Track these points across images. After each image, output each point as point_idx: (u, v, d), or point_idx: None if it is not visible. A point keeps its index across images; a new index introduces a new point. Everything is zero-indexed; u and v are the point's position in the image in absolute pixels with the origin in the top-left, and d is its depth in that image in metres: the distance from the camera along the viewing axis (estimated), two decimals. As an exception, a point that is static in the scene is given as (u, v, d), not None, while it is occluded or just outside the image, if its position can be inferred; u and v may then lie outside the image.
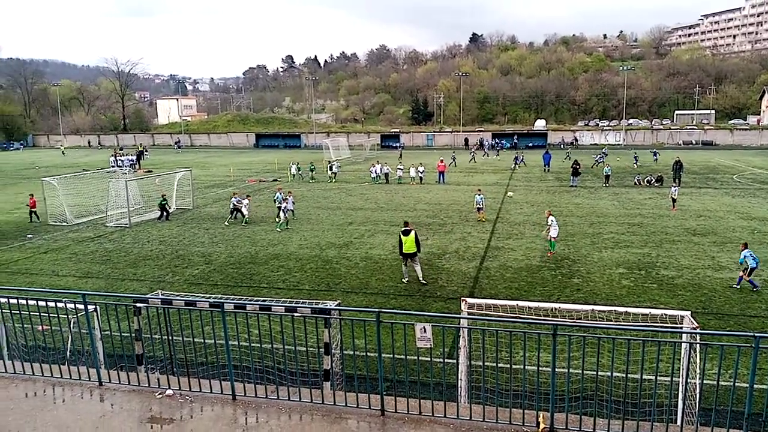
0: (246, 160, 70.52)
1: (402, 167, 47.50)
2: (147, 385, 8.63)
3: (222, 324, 8.21)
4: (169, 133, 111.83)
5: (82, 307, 9.01)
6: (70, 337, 10.63)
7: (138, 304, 9.28)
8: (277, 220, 27.82)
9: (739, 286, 17.45)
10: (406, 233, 18.35)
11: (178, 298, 9.61)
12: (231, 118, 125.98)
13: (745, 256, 17.37)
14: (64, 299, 9.47)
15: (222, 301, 8.63)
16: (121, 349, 10.84)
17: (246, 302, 9.39)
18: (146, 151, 75.96)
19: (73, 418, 7.84)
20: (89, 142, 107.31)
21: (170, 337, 9.70)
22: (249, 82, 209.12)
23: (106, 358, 10.03)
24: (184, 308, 8.86)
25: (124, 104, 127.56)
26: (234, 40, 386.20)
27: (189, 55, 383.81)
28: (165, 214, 30.81)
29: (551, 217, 22.07)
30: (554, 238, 21.89)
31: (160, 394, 8.41)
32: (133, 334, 9.44)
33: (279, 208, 28.10)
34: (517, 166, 56.74)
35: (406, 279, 18.73)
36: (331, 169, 48.46)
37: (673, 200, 31.46)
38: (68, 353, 10.64)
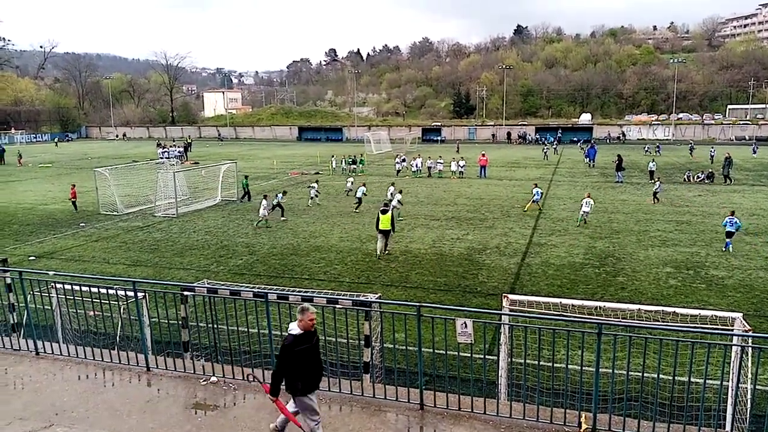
0: (289, 153, 71.39)
1: (442, 161, 47.24)
2: (192, 371, 8.88)
3: (265, 313, 8.38)
4: (214, 126, 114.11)
5: (131, 294, 9.32)
6: (120, 322, 11.02)
7: (185, 293, 9.52)
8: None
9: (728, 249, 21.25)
10: (384, 212, 20.87)
11: (223, 287, 9.84)
12: (275, 111, 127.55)
13: (726, 222, 21.68)
14: (114, 286, 9.81)
15: (265, 291, 8.79)
16: (168, 336, 11.20)
17: (288, 293, 9.54)
18: (191, 143, 77.81)
19: (122, 401, 8.14)
20: (117, 135, 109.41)
21: (215, 326, 9.94)
22: (293, 76, 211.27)
23: (154, 344, 10.37)
24: (229, 297, 9.06)
25: (173, 97, 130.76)
26: (279, 33, 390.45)
27: (235, 48, 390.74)
28: (247, 195, 33.63)
29: (588, 199, 26.10)
30: (586, 213, 25.86)
31: (205, 381, 8.65)
32: (180, 322, 9.70)
33: (359, 198, 30.03)
34: (590, 161, 51.95)
35: (378, 256, 20.68)
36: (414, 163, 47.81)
37: (654, 194, 31.78)
38: (118, 338, 11.03)
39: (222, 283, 12.45)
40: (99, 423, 7.52)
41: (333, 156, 52.24)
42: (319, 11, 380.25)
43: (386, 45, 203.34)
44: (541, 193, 30.18)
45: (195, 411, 7.87)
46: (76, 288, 9.96)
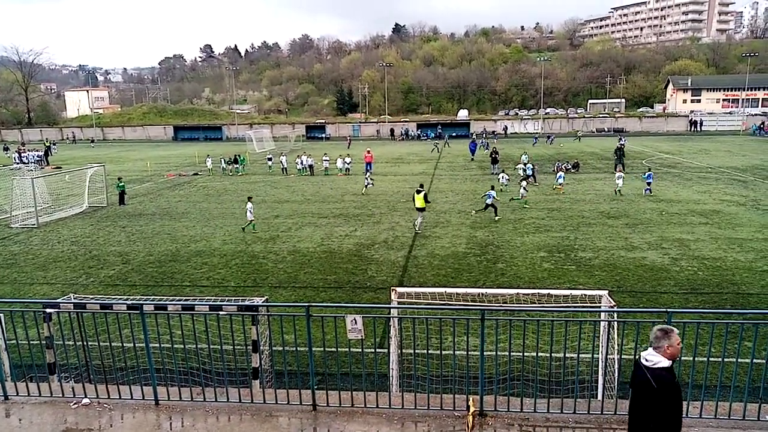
0: (164, 154, 67.76)
1: (328, 158, 47.17)
2: (61, 395, 8.09)
3: (142, 326, 7.80)
4: (79, 127, 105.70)
5: (-18, 315, 8.29)
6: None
7: (48, 310, 8.65)
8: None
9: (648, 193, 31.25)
10: (418, 192, 24.25)
11: (92, 301, 9.05)
12: (147, 110, 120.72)
13: (645, 175, 32.61)
14: (-39, 308, 8.67)
15: (141, 302, 8.19)
16: (30, 359, 10.10)
17: (167, 302, 8.98)
18: (54, 145, 71.45)
19: (-24, 437, 7.21)
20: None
21: (85, 343, 9.12)
22: (165, 73, 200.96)
23: (13, 369, 9.31)
24: (99, 312, 8.34)
25: (28, 97, 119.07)
26: (148, 27, 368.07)
27: (99, 43, 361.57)
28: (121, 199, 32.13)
29: (620, 173, 33.05)
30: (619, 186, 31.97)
31: (75, 404, 7.90)
32: (44, 342, 8.80)
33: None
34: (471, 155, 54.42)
35: (416, 231, 23.71)
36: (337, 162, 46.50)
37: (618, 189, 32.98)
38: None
39: (92, 296, 11.47)
40: (-54, 465, 6.61)
41: (208, 156, 50.00)
42: (192, 4, 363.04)
43: (265, 41, 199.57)
44: (564, 176, 34.71)
45: (65, 438, 7.14)
46: None
